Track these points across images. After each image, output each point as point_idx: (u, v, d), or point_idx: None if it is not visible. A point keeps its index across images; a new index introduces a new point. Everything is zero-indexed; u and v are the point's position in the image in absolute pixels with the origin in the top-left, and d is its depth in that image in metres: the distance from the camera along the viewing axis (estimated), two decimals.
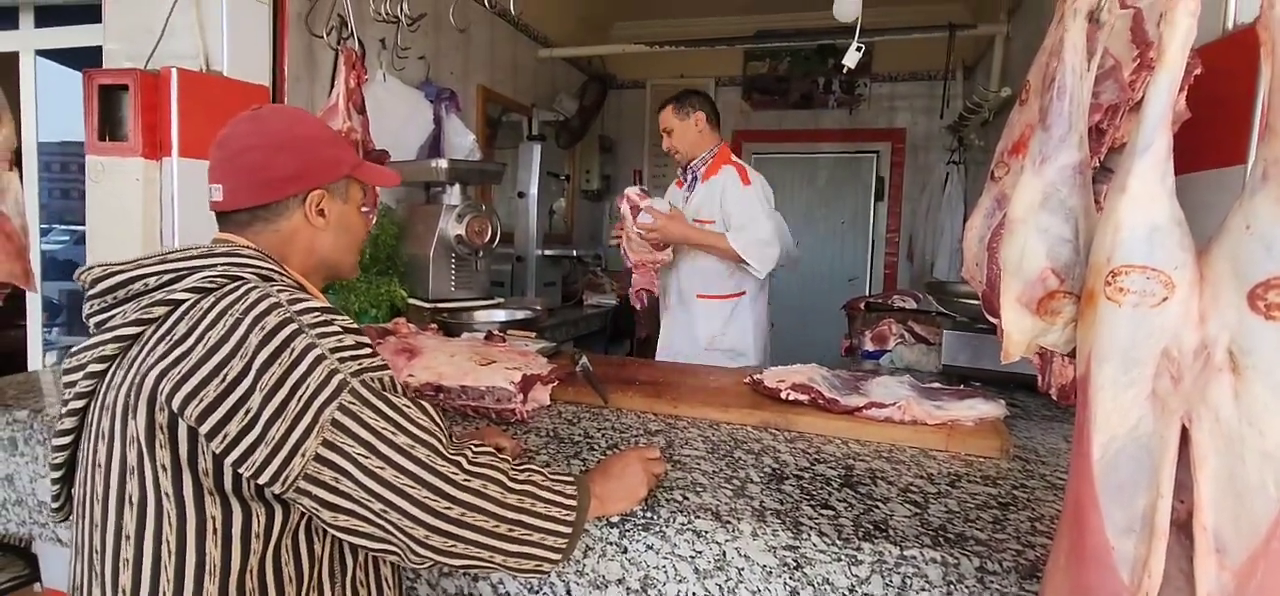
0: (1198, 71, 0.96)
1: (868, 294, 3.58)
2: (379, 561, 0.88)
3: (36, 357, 2.34)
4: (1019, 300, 0.81)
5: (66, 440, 0.81)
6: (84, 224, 1.97)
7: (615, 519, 0.96)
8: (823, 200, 4.74)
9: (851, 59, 2.07)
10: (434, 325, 2.00)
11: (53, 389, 1.52)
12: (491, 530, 0.78)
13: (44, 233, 2.40)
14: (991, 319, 0.94)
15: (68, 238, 3.31)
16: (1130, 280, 0.64)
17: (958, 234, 3.68)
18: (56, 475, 0.85)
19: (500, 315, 2.35)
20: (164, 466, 0.71)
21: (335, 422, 0.72)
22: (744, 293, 2.29)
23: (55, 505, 0.87)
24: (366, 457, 0.73)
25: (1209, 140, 1.14)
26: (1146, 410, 0.61)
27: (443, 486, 0.75)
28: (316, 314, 0.77)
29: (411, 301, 2.40)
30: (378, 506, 0.73)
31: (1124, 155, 0.69)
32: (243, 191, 0.88)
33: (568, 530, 0.84)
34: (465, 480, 0.77)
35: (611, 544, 0.97)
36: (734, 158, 2.31)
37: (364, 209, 1.02)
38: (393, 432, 0.74)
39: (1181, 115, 0.96)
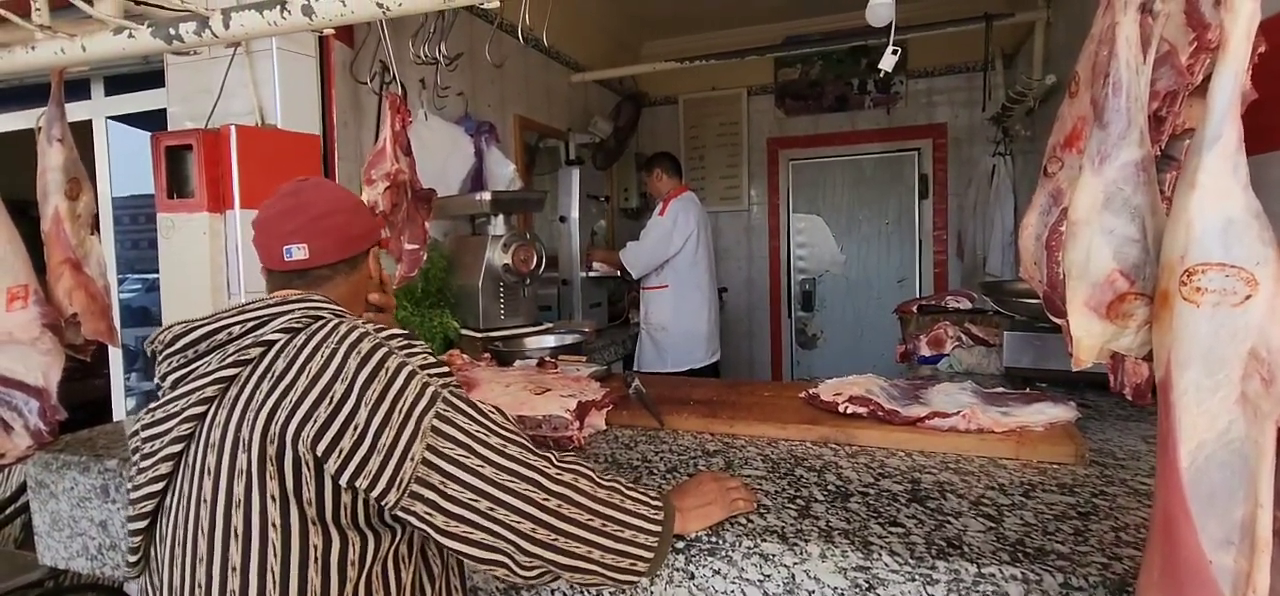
0: (1262, 49, 0.92)
1: (919, 296, 3.51)
2: (453, 590, 0.94)
3: (120, 406, 2.47)
4: (1087, 304, 0.78)
5: (160, 486, 0.84)
6: (153, 273, 2.09)
7: (680, 545, 0.96)
8: (865, 202, 4.66)
9: (888, 62, 2.03)
10: (487, 354, 2.04)
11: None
12: (586, 523, 0.83)
13: (119, 282, 2.54)
14: (1055, 319, 0.92)
15: (140, 286, 3.50)
16: (1207, 279, 0.62)
17: (1009, 227, 3.57)
18: (141, 525, 0.86)
19: (550, 340, 2.38)
20: (273, 497, 0.76)
21: (434, 428, 0.78)
22: (667, 286, 3.26)
23: (134, 559, 0.89)
24: (467, 457, 0.78)
25: (1278, 119, 1.09)
26: (1237, 414, 0.59)
27: (539, 479, 0.81)
28: (401, 338, 0.85)
29: (463, 332, 2.46)
30: (485, 505, 0.78)
31: (1191, 148, 0.67)
32: (331, 249, 0.96)
33: (657, 528, 0.88)
34: (558, 474, 0.83)
35: (678, 569, 0.97)
36: (678, 197, 3.28)
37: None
38: (486, 434, 0.80)
39: (1248, 96, 0.92)
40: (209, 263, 1.98)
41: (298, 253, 0.94)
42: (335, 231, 0.96)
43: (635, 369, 3.30)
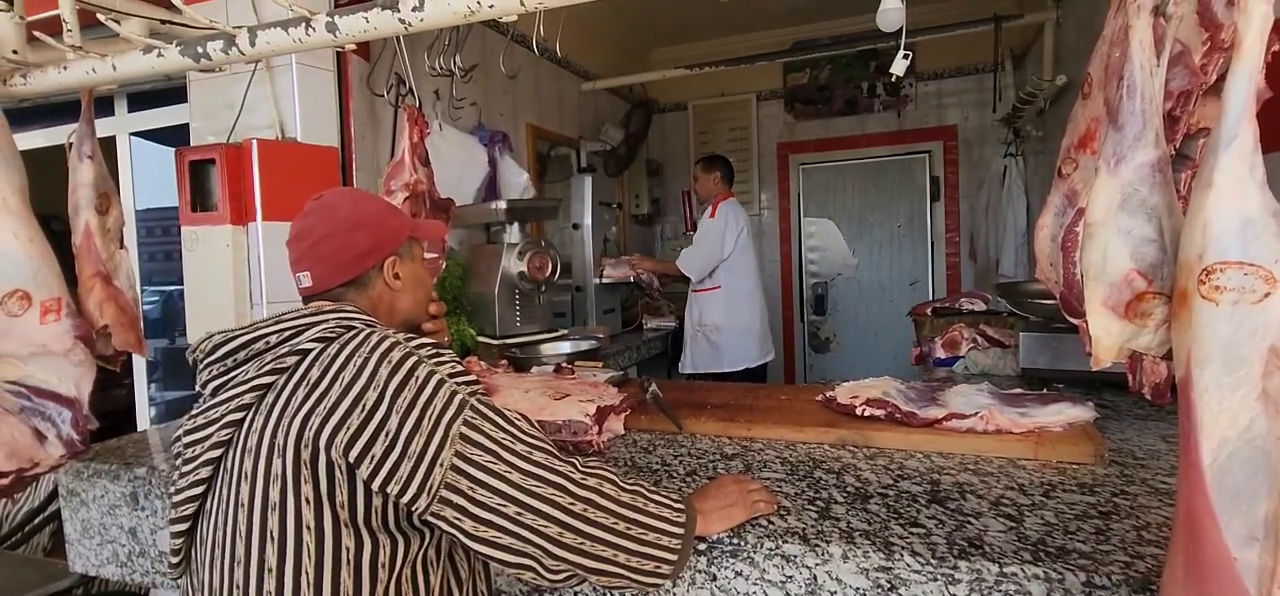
0: (1276, 49, 0.93)
1: (933, 298, 3.50)
2: (479, 595, 0.95)
3: (144, 415, 2.51)
4: (1105, 304, 0.79)
5: (200, 490, 0.87)
6: (173, 284, 2.13)
7: (702, 546, 0.97)
8: (876, 205, 4.66)
9: (899, 67, 2.05)
10: (504, 360, 2.06)
11: (162, 446, 1.64)
12: (612, 526, 0.85)
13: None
14: (1071, 320, 0.93)
15: (157, 297, 3.56)
16: (1226, 277, 0.62)
17: (1021, 228, 3.56)
18: (182, 527, 0.89)
19: (566, 347, 2.39)
20: (308, 500, 0.78)
21: (463, 435, 0.80)
22: (719, 287, 3.33)
23: (175, 560, 0.91)
24: (494, 463, 0.80)
25: None
26: (1258, 411, 0.60)
27: (565, 483, 0.83)
28: (430, 348, 0.87)
29: (480, 339, 2.48)
30: (513, 510, 0.80)
31: (1208, 148, 0.68)
32: (330, 274, 0.97)
33: (680, 531, 0.89)
34: (582, 478, 0.85)
35: (700, 571, 0.98)
36: (726, 201, 3.37)
37: (430, 255, 1.10)
38: (512, 441, 0.83)
39: (1262, 96, 0.93)
40: (232, 274, 2.02)
41: (305, 280, 0.97)
42: (332, 257, 0.97)
43: (693, 370, 3.39)
